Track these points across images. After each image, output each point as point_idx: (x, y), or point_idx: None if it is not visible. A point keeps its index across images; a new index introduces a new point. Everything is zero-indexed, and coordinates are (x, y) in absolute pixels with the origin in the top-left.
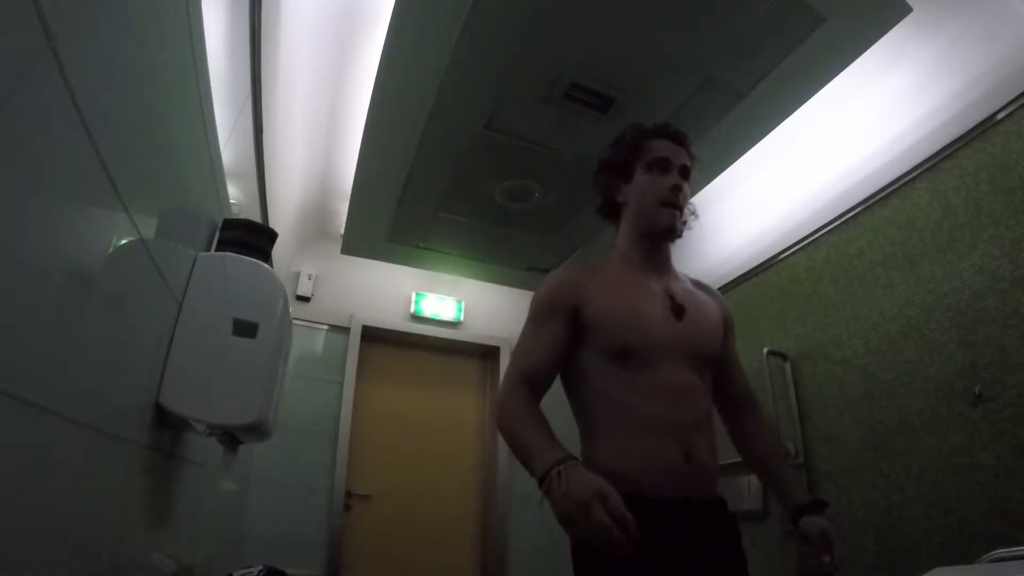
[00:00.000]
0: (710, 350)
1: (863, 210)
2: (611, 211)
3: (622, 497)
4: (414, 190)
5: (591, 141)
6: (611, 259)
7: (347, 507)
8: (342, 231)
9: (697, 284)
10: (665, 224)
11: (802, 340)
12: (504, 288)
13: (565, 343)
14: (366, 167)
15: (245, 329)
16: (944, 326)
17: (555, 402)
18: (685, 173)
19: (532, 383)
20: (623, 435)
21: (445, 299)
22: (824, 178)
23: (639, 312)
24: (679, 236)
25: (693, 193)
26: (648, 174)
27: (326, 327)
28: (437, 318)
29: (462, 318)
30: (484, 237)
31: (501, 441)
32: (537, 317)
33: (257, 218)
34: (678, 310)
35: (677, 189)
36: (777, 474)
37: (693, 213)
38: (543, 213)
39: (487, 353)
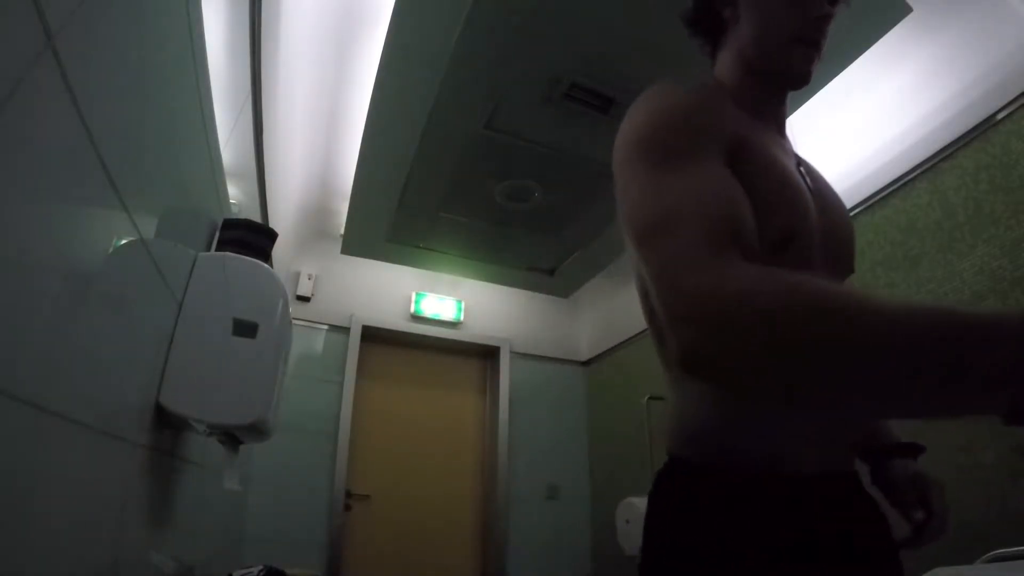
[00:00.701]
0: (848, 243)
1: (863, 210)
2: (707, 26)
3: (771, 479)
4: (414, 190)
5: (591, 141)
6: (723, 93)
7: (347, 507)
8: (342, 231)
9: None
10: (798, 69)
11: None
12: (504, 288)
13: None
14: (366, 167)
15: (245, 329)
16: None
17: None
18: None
19: (746, 239)
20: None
21: (445, 299)
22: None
23: (791, 180)
24: (809, 78)
25: None
26: None
27: (326, 327)
28: (437, 318)
29: (462, 318)
30: (484, 237)
31: (501, 441)
32: (675, 152)
33: (257, 218)
34: (818, 192)
35: (825, 20)
36: None
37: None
38: (543, 213)
39: (487, 353)
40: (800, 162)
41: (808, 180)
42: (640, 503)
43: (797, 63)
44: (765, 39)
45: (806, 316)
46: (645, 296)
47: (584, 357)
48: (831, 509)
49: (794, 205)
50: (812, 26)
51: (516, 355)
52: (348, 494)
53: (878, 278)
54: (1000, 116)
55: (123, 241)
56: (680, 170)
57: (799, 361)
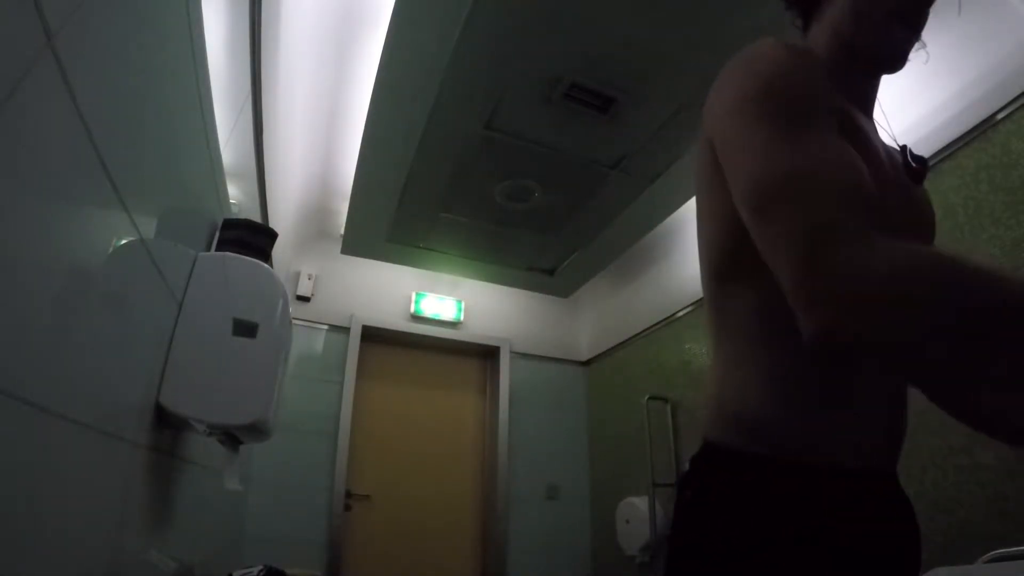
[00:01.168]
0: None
1: None
2: (806, 13)
3: (808, 470)
4: (414, 190)
5: (591, 141)
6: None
7: (347, 507)
8: (342, 231)
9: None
10: (895, 50)
11: None
12: (504, 288)
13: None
14: (366, 167)
15: (245, 329)
16: None
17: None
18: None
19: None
20: (833, 374)
21: (445, 299)
22: None
23: (882, 168)
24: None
25: (692, 193)
26: None
27: (326, 327)
28: (437, 318)
29: (462, 318)
30: (484, 237)
31: (501, 441)
32: (799, 114)
33: (257, 218)
34: (916, 175)
35: (927, 2)
36: None
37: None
38: (543, 213)
39: (487, 353)
40: (887, 150)
41: (908, 164)
42: (640, 503)
43: (896, 42)
44: (864, 13)
45: (958, 292)
46: (718, 252)
47: (584, 357)
48: (881, 509)
49: (884, 199)
50: (913, 5)
51: (516, 355)
52: (348, 494)
53: None
54: (1000, 116)
55: (123, 241)
56: (806, 134)
57: (955, 335)
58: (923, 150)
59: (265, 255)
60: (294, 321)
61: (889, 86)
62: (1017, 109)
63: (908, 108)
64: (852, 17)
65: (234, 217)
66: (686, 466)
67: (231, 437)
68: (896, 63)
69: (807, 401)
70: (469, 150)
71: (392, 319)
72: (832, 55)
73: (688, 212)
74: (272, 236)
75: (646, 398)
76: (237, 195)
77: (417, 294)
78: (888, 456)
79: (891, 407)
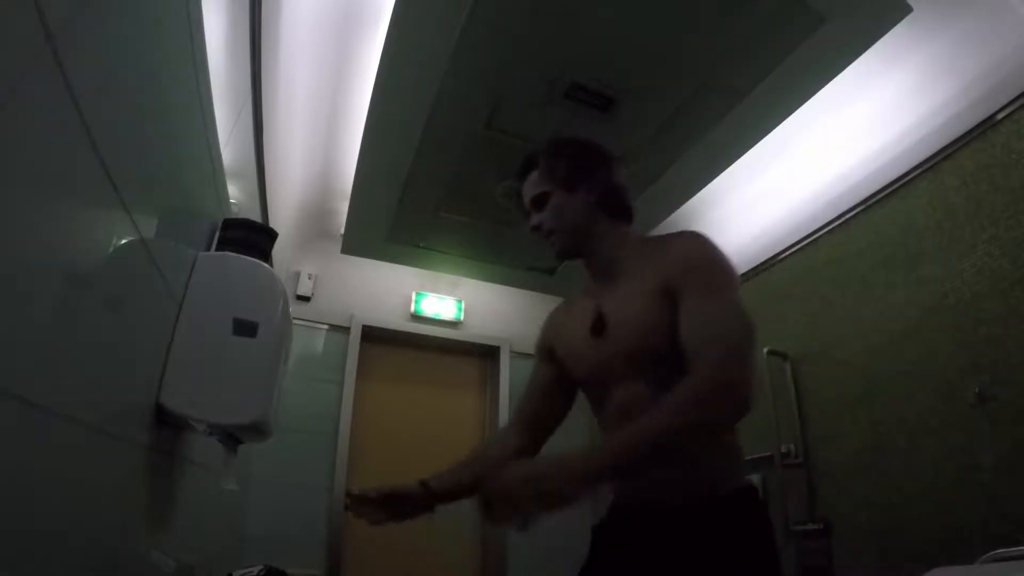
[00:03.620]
0: (636, 351)
1: (863, 210)
2: None
3: (611, 504)
4: (414, 190)
5: None
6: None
7: (347, 507)
8: (342, 231)
9: (656, 247)
10: (554, 252)
11: (802, 340)
12: (504, 288)
13: (551, 384)
14: (366, 166)
15: (245, 329)
16: (944, 326)
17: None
18: (537, 202)
19: (522, 421)
20: None
21: (445, 299)
22: (824, 178)
23: (573, 342)
24: (580, 249)
25: (692, 193)
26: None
27: (326, 327)
28: (437, 318)
29: (462, 318)
30: (484, 237)
31: None
32: (535, 358)
33: (257, 218)
34: (599, 327)
35: (535, 229)
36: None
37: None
38: None
39: (487, 353)
40: (603, 304)
41: (599, 316)
42: None
43: (553, 250)
44: None
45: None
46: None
47: None
48: (640, 530)
49: (573, 360)
50: (534, 232)
51: (516, 355)
52: (348, 494)
53: (878, 278)
54: (1000, 116)
55: (123, 241)
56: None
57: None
58: (923, 150)
59: (265, 255)
60: (294, 321)
61: (889, 86)
62: (1017, 109)
63: (908, 108)
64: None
65: (234, 217)
66: None
67: (231, 437)
68: (565, 256)
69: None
70: (469, 150)
71: (392, 319)
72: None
73: (688, 212)
74: (272, 236)
75: None
76: (237, 195)
77: (417, 294)
78: (658, 494)
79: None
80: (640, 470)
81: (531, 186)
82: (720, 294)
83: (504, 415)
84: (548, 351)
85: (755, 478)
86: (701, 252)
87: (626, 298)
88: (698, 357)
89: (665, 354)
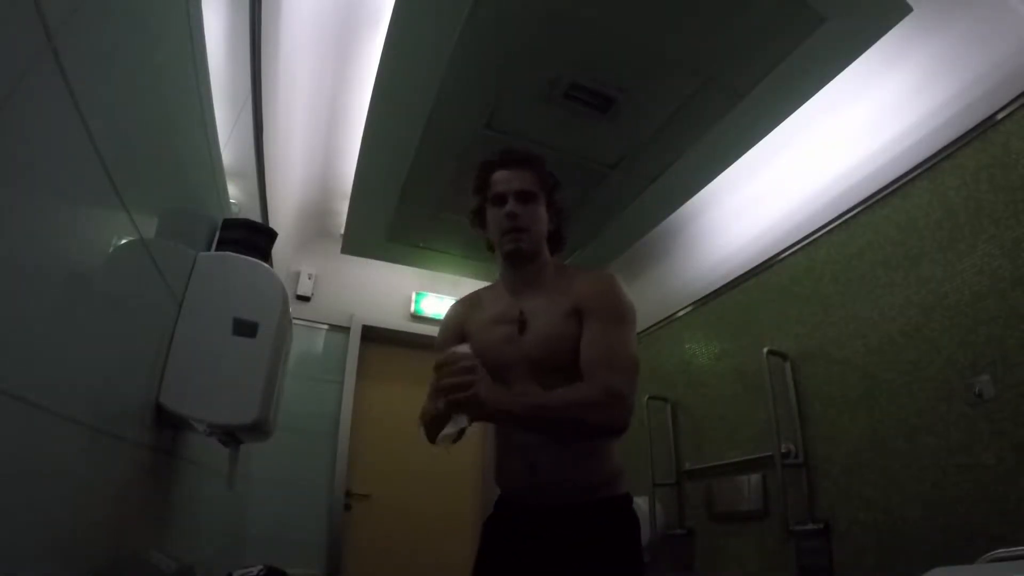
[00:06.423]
0: (547, 357)
1: (863, 210)
2: (491, 247)
3: (498, 502)
4: (414, 189)
5: (591, 141)
6: (496, 284)
7: (347, 507)
8: (342, 231)
9: (575, 276)
10: (507, 250)
11: (802, 340)
12: None
13: None
14: (366, 166)
15: (245, 329)
16: (944, 326)
17: None
18: (523, 197)
19: None
20: (497, 452)
21: (445, 299)
22: (824, 178)
23: (490, 336)
24: (532, 256)
25: (693, 193)
26: (492, 208)
27: (326, 327)
28: (437, 318)
29: None
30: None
31: None
32: (438, 348)
33: (257, 218)
34: (522, 325)
35: (511, 216)
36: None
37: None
38: None
39: None
40: (526, 307)
41: (522, 316)
42: (641, 503)
43: (507, 247)
44: (496, 242)
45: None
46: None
47: None
48: (528, 527)
49: (485, 350)
50: (506, 221)
51: None
52: (348, 494)
53: (878, 278)
54: (1000, 116)
55: (123, 241)
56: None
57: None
58: (923, 150)
59: (265, 255)
60: (294, 321)
61: (890, 86)
62: (1017, 109)
63: (908, 108)
64: (496, 245)
65: (234, 217)
66: (686, 466)
67: (231, 437)
68: (518, 257)
69: (497, 467)
70: (469, 150)
71: (392, 319)
72: (502, 265)
73: (688, 212)
74: (272, 236)
75: (646, 398)
76: (237, 195)
77: (417, 294)
78: (542, 495)
79: (532, 467)
80: (521, 427)
81: (527, 180)
82: (621, 325)
83: None
84: (460, 334)
85: (755, 478)
86: (612, 288)
87: (545, 308)
88: (595, 370)
89: (564, 366)
